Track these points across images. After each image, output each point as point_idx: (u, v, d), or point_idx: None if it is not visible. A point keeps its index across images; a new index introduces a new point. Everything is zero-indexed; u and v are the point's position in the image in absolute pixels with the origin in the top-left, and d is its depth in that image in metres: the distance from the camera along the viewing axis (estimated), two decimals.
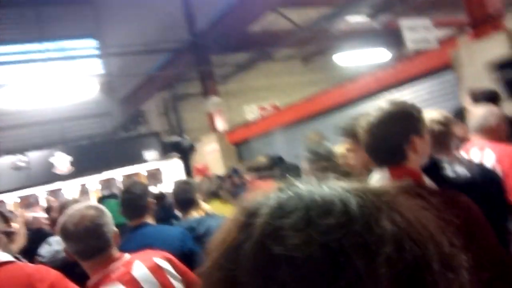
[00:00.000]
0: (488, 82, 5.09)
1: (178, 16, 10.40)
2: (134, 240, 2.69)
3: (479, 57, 5.24)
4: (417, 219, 0.51)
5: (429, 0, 9.55)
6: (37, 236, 4.86)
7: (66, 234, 2.02)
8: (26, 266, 2.19)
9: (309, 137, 4.12)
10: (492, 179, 2.34)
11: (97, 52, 14.26)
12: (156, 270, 2.08)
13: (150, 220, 2.90)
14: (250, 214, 0.51)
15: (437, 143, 2.34)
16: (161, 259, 2.14)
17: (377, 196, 0.52)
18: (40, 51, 12.38)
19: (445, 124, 2.54)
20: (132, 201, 2.88)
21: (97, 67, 13.61)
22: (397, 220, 0.49)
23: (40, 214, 6.18)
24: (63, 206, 3.26)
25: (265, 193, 0.54)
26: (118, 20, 12.67)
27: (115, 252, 2.09)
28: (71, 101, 11.10)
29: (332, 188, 0.52)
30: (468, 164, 2.40)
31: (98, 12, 14.08)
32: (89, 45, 14.03)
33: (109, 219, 2.06)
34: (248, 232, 0.49)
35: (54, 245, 2.97)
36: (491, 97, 3.45)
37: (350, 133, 2.31)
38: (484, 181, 2.28)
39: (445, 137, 2.44)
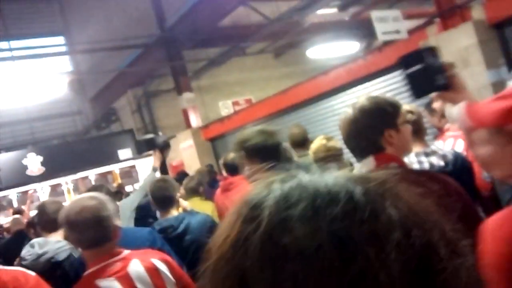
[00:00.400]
0: (459, 71, 5.19)
1: (147, 10, 10.28)
2: None
3: (448, 47, 5.34)
4: (420, 205, 0.51)
5: None
6: (18, 238, 4.79)
7: (68, 223, 2.05)
8: (1, 272, 2.11)
9: (291, 129, 4.13)
10: (463, 167, 2.42)
11: (65, 49, 14.00)
12: (152, 271, 2.08)
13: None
14: (255, 207, 0.51)
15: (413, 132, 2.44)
16: (159, 261, 2.14)
17: (379, 183, 0.52)
18: (6, 50, 12.08)
19: (415, 114, 2.64)
20: None
21: (66, 64, 13.38)
22: (401, 206, 0.49)
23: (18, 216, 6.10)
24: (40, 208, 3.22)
25: (267, 184, 0.54)
26: (86, 16, 12.46)
27: (115, 246, 2.09)
28: (40, 100, 10.89)
29: (334, 177, 0.52)
30: (442, 153, 2.47)
31: (65, 8, 13.82)
32: (56, 42, 13.77)
33: (111, 213, 2.06)
34: (255, 224, 0.49)
35: (37, 247, 2.92)
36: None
37: None
38: (456, 169, 2.36)
39: (417, 127, 2.53)
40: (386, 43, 6.31)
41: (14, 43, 12.51)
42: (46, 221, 3.09)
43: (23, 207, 9.26)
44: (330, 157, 3.03)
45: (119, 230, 2.11)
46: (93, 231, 2.01)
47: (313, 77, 7.91)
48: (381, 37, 5.52)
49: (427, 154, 2.48)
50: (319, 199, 0.48)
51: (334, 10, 10.49)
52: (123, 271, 2.02)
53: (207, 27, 9.52)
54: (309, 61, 12.08)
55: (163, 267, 2.12)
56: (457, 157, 2.46)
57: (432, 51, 1.41)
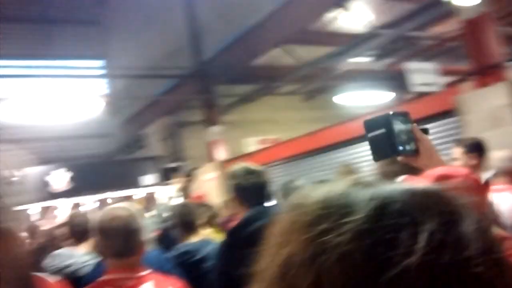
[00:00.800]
0: (491, 129, 5.19)
1: (185, 43, 10.56)
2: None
3: (481, 105, 5.35)
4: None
5: (433, 47, 9.77)
6: (43, 249, 4.85)
7: (99, 229, 2.08)
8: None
9: (339, 170, 4.12)
10: None
11: (103, 72, 14.39)
12: None
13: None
14: (343, 214, 0.48)
15: None
16: None
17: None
18: (45, 67, 12.48)
19: None
20: None
21: (102, 87, 13.72)
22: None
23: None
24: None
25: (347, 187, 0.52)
26: (126, 42, 12.84)
27: (138, 263, 2.08)
28: (72, 120, 11.14)
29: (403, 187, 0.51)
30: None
31: (107, 33, 14.28)
32: (95, 65, 14.17)
33: (140, 227, 2.08)
34: (346, 232, 0.46)
35: (61, 259, 2.95)
36: (480, 147, 3.58)
37: None
38: None
39: None
40: (418, 96, 6.35)
41: (54, 62, 12.92)
42: (74, 232, 3.14)
43: (37, 223, 9.38)
44: None
45: (144, 247, 2.10)
46: (121, 241, 2.02)
47: (341, 122, 7.95)
48: (415, 89, 5.56)
49: None
50: (415, 211, 0.47)
51: (368, 59, 10.60)
52: None
53: (241, 64, 9.72)
54: (337, 107, 12.15)
55: None
56: None
57: (403, 115, 1.36)
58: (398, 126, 1.34)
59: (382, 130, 1.34)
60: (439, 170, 1.33)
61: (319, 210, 0.50)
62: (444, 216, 0.47)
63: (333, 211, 0.49)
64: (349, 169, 3.57)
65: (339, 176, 3.61)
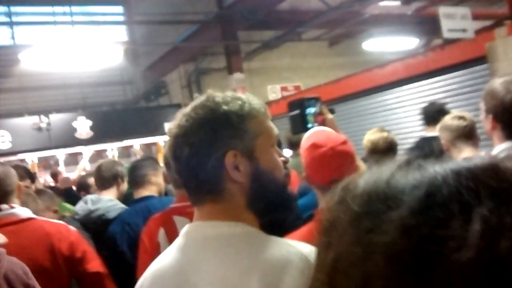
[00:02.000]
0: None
1: None
2: (136, 211, 2.77)
3: None
4: None
5: None
6: (68, 195, 5.04)
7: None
8: (46, 223, 2.23)
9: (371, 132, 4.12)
10: None
11: (122, 18, 14.19)
12: None
13: (153, 192, 2.94)
14: (388, 207, 0.44)
15: (465, 137, 2.52)
16: None
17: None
18: (66, 14, 12.34)
19: (467, 120, 2.67)
20: (132, 174, 3.03)
21: (122, 34, 13.57)
22: None
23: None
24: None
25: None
26: None
27: None
28: (94, 67, 11.09)
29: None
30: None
31: None
32: (115, 11, 13.96)
33: None
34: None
35: (89, 204, 3.06)
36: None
37: None
38: None
39: (468, 133, 2.70)
40: (448, 42, 6.08)
41: (74, 8, 12.76)
42: (100, 179, 3.21)
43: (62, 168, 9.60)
44: (389, 150, 2.95)
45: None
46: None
47: (368, 69, 7.74)
48: (446, 34, 5.31)
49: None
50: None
51: (397, 3, 10.19)
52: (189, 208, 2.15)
53: (265, 9, 9.44)
54: (363, 53, 11.82)
55: None
56: None
57: (314, 99, 1.84)
58: (309, 108, 1.83)
59: (298, 111, 1.84)
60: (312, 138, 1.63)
61: (363, 204, 0.47)
62: (497, 196, 0.41)
63: (377, 205, 0.45)
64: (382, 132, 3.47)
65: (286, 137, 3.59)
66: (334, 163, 1.53)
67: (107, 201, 3.07)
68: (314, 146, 1.57)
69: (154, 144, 11.42)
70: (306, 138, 1.65)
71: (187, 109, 1.12)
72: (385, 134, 3.12)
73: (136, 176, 2.97)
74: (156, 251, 2.01)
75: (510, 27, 5.39)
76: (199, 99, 1.15)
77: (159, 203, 2.71)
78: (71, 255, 2.11)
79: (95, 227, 2.93)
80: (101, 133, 10.45)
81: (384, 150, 2.99)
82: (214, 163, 1.04)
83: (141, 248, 2.21)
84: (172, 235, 2.06)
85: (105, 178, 3.20)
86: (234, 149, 1.04)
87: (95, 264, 2.17)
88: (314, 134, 1.65)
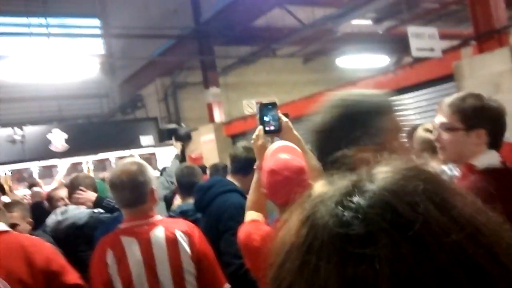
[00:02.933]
0: (487, 96, 5.20)
1: (183, 2, 10.41)
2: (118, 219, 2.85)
3: (481, 70, 5.35)
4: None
5: (435, 10, 9.67)
6: (35, 210, 5.00)
7: (109, 183, 2.33)
8: (20, 236, 2.24)
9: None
10: None
11: (99, 31, 14.20)
12: (171, 241, 2.21)
13: None
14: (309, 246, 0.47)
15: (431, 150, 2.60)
16: (181, 232, 2.26)
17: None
18: (42, 25, 12.31)
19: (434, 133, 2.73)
20: None
21: (99, 47, 13.58)
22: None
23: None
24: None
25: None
26: (123, 1, 12.64)
27: (150, 210, 2.28)
28: (70, 79, 11.08)
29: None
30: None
31: None
32: (92, 24, 13.97)
33: (147, 178, 2.27)
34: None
35: (58, 215, 3.23)
36: None
37: None
38: None
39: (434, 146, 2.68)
40: (418, 60, 6.33)
41: (50, 20, 12.72)
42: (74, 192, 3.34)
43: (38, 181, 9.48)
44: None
45: (155, 195, 2.30)
46: (128, 193, 2.22)
47: (341, 86, 7.94)
48: (415, 53, 5.54)
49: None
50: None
51: (368, 22, 10.50)
52: (146, 234, 2.20)
53: (241, 25, 9.62)
54: (337, 69, 12.10)
55: (182, 239, 2.24)
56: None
57: (271, 104, 1.97)
58: (266, 113, 1.96)
59: (258, 116, 1.98)
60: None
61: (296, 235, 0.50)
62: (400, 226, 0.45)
63: (304, 239, 0.48)
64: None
65: None
66: (288, 189, 1.74)
67: (74, 210, 3.30)
68: (272, 173, 1.82)
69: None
70: (269, 158, 1.84)
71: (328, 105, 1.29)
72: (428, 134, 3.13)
73: None
74: (105, 271, 2.14)
75: (475, 47, 5.65)
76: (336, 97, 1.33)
77: None
78: (47, 268, 2.07)
79: (67, 235, 3.08)
80: (76, 146, 10.39)
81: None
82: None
83: (92, 269, 2.25)
84: (120, 256, 2.15)
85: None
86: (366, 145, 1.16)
87: (73, 277, 2.14)
88: (274, 156, 1.83)
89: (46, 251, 2.15)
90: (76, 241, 3.11)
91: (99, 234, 2.89)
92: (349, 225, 0.45)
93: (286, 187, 1.77)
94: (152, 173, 2.33)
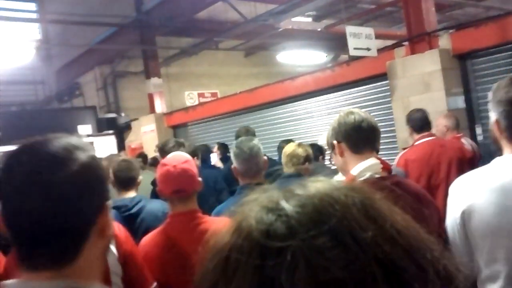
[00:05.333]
0: (418, 95, 5.55)
1: None
2: None
3: (412, 70, 5.68)
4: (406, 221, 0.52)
5: (371, 11, 10.07)
6: None
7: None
8: None
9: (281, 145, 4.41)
10: None
11: (35, 16, 13.66)
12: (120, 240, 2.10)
13: None
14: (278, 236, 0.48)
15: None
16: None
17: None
18: None
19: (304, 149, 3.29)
20: None
21: (35, 32, 13.07)
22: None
23: None
24: None
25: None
26: None
27: None
28: (3, 64, 10.62)
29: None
30: None
31: None
32: (28, 8, 13.41)
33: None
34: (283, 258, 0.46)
35: None
36: None
37: None
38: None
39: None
40: (354, 58, 6.61)
41: None
42: None
43: None
44: (307, 161, 3.21)
45: None
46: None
47: (281, 81, 8.14)
48: (352, 52, 5.79)
49: None
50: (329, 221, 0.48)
51: (308, 19, 10.78)
52: None
53: (184, 16, 9.60)
54: (277, 64, 12.34)
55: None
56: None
57: None
58: None
59: None
60: None
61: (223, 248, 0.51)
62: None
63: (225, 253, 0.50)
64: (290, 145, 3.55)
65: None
66: (174, 178, 2.03)
67: None
68: (162, 165, 2.05)
69: None
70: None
71: None
72: (300, 148, 3.27)
73: None
74: None
75: (408, 48, 5.99)
76: None
77: None
78: None
79: None
80: (9, 135, 10.00)
81: (301, 163, 3.21)
82: None
83: None
84: None
85: None
86: None
87: None
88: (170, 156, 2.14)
89: None
90: None
91: None
92: (271, 223, 0.48)
93: (173, 176, 2.02)
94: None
